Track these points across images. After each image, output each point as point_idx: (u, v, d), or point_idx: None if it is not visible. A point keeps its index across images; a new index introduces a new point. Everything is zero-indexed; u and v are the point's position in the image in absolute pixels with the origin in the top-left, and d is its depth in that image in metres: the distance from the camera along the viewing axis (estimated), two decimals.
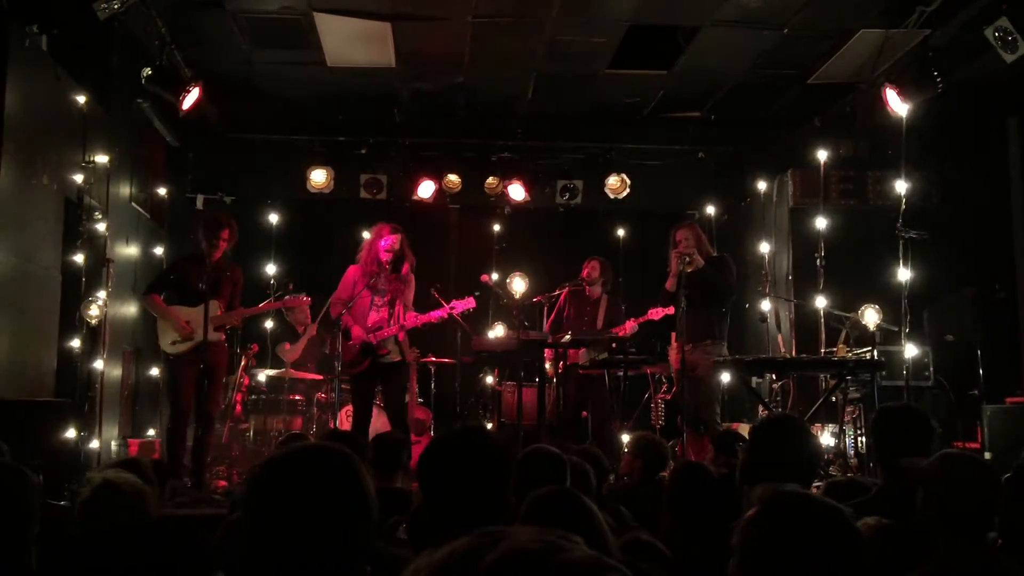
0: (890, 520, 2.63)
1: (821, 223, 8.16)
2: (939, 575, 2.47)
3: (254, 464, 1.86)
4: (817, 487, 4.81)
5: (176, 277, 6.78)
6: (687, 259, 6.71)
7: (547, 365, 7.76)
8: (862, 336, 7.33)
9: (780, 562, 1.78)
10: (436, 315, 6.68)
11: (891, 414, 3.61)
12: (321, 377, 8.10)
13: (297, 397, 7.96)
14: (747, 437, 3.74)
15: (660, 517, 3.28)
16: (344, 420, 7.47)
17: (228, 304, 6.76)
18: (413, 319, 6.67)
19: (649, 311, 7.57)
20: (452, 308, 6.72)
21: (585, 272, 7.90)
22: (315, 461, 1.75)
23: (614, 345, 7.26)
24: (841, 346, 7.15)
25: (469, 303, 6.80)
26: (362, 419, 6.76)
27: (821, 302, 7.85)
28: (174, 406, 6.66)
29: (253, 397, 7.93)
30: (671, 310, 7.27)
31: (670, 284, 7.02)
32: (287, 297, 7.54)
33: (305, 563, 1.66)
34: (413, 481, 6.20)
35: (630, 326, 7.60)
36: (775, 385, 8.06)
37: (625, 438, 6.93)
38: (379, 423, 7.32)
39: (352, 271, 6.81)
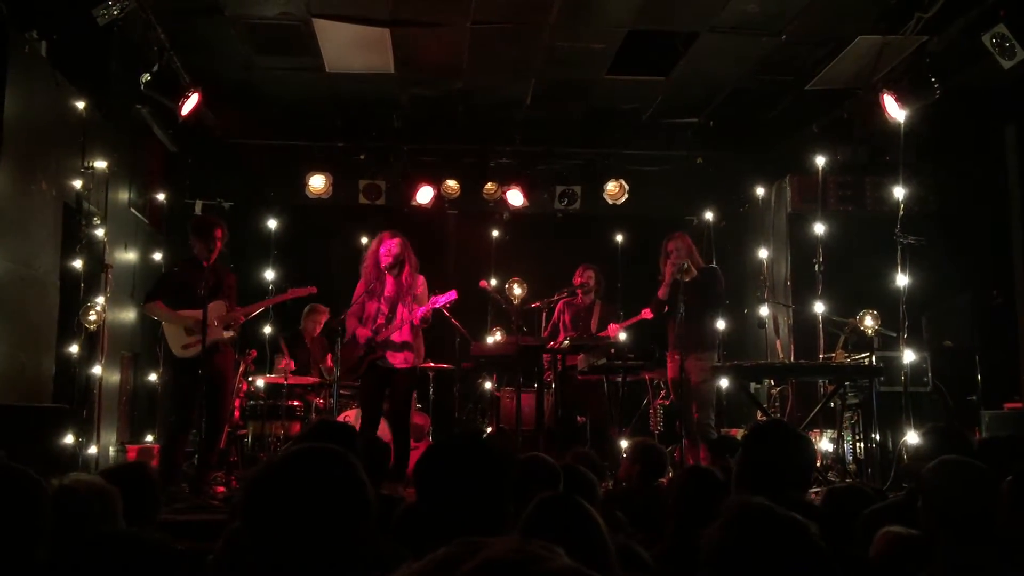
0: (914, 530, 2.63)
1: (819, 229, 8.17)
2: None
3: (248, 471, 1.87)
4: (816, 493, 4.82)
5: (176, 282, 6.62)
6: (684, 266, 6.82)
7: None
8: (860, 342, 7.34)
9: (742, 573, 1.84)
10: (421, 312, 6.65)
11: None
12: (318, 380, 8.07)
13: (295, 403, 7.94)
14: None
15: (664, 522, 3.26)
16: None
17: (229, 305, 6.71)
18: (415, 317, 6.65)
19: (633, 317, 7.63)
20: (435, 302, 6.70)
21: (577, 280, 7.89)
22: (309, 462, 1.77)
23: (613, 351, 7.26)
24: (839, 352, 7.16)
25: (451, 295, 6.76)
26: (370, 425, 6.73)
27: (819, 308, 7.86)
28: (182, 412, 6.42)
29: (251, 403, 7.90)
30: (650, 315, 7.37)
31: (662, 293, 7.08)
32: (290, 289, 7.38)
33: (307, 565, 1.67)
34: (404, 487, 6.21)
35: (613, 330, 7.60)
36: (774, 391, 8.07)
37: (624, 443, 6.93)
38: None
39: (360, 284, 6.85)
